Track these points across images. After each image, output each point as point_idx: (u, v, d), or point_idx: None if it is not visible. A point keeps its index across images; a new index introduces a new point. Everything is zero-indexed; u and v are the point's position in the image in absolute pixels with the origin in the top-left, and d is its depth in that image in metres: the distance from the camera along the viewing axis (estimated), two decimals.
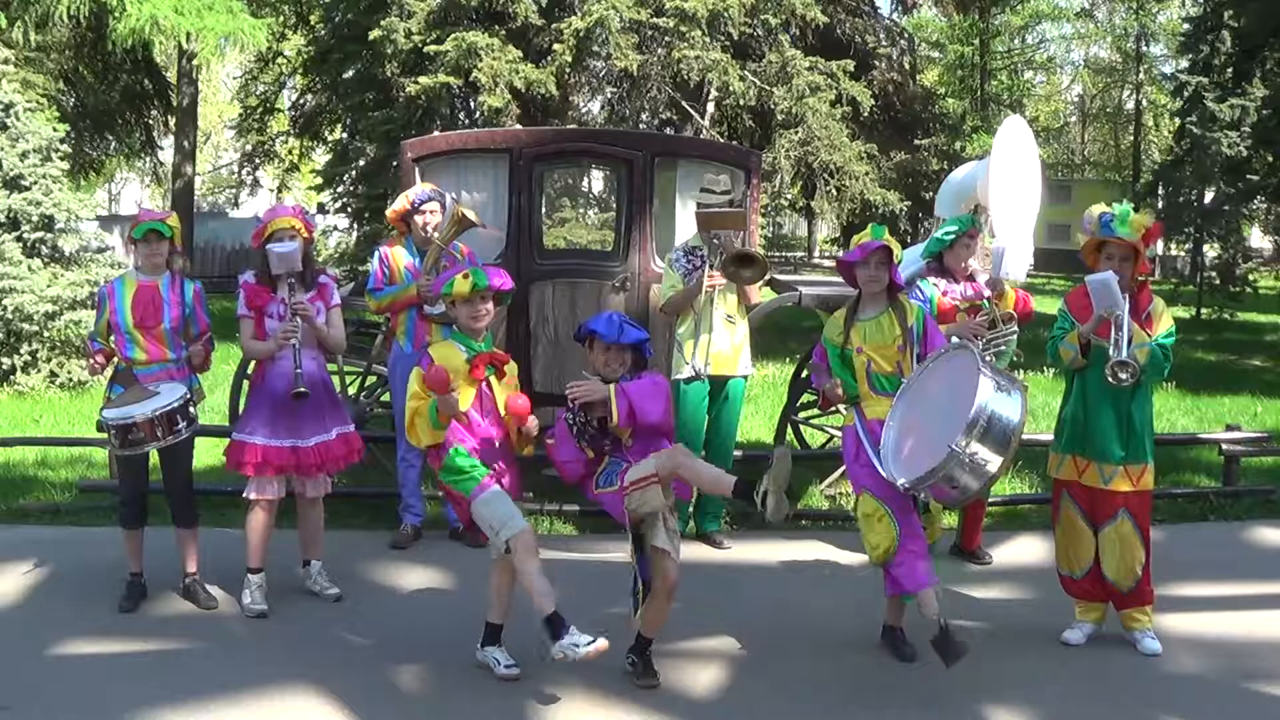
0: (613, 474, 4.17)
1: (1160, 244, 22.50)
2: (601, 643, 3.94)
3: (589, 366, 4.28)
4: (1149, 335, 4.46)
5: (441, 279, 4.46)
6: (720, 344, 5.83)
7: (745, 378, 6.09)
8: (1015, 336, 5.59)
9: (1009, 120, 6.26)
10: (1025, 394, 4.10)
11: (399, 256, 5.85)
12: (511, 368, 4.39)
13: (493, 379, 4.27)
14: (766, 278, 6.28)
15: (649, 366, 4.40)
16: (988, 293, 5.53)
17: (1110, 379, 4.28)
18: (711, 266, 5.71)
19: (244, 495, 4.96)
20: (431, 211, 5.77)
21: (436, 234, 5.71)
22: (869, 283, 4.46)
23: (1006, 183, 5.77)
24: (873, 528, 4.32)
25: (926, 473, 3.96)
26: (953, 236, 5.68)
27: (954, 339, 4.45)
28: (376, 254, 5.96)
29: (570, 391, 4.13)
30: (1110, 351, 4.32)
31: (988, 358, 5.32)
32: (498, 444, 4.28)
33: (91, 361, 5.03)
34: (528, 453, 4.42)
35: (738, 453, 7.07)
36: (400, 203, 5.89)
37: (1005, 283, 5.55)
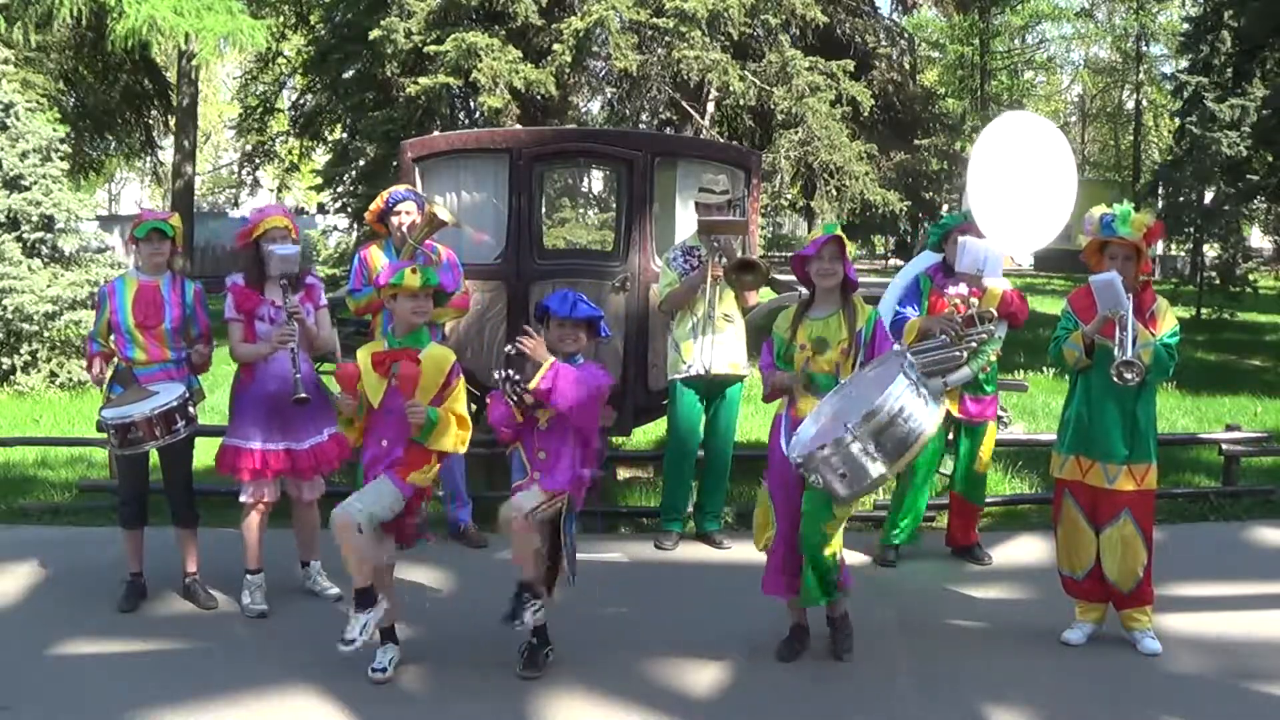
0: (514, 470, 4.31)
1: (1160, 244, 22.48)
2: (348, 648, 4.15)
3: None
4: (1153, 335, 4.46)
5: (391, 269, 4.43)
6: (718, 344, 5.83)
7: (742, 379, 6.09)
8: (994, 335, 5.51)
9: (1003, 115, 6.21)
10: (943, 411, 4.08)
11: (377, 257, 5.84)
12: (435, 362, 4.26)
13: (396, 376, 4.22)
14: (767, 280, 6.28)
15: (602, 346, 4.41)
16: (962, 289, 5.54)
17: (1115, 379, 4.28)
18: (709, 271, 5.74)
19: (240, 499, 4.96)
20: (407, 211, 5.75)
21: (411, 234, 5.71)
22: (823, 277, 4.43)
23: (990, 178, 5.76)
24: (759, 522, 4.52)
25: (816, 449, 3.92)
26: (939, 233, 5.76)
27: (895, 345, 4.43)
28: (357, 256, 5.97)
29: (518, 339, 4.13)
30: (1115, 351, 4.32)
31: (958, 353, 5.30)
32: (385, 443, 4.25)
33: (95, 373, 5.03)
34: (438, 447, 4.24)
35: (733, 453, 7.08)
36: (375, 202, 5.90)
37: (979, 278, 5.44)
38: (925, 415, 3.92)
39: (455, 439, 4.25)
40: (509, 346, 4.17)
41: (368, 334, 6.67)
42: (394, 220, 5.77)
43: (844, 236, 4.45)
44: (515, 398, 4.11)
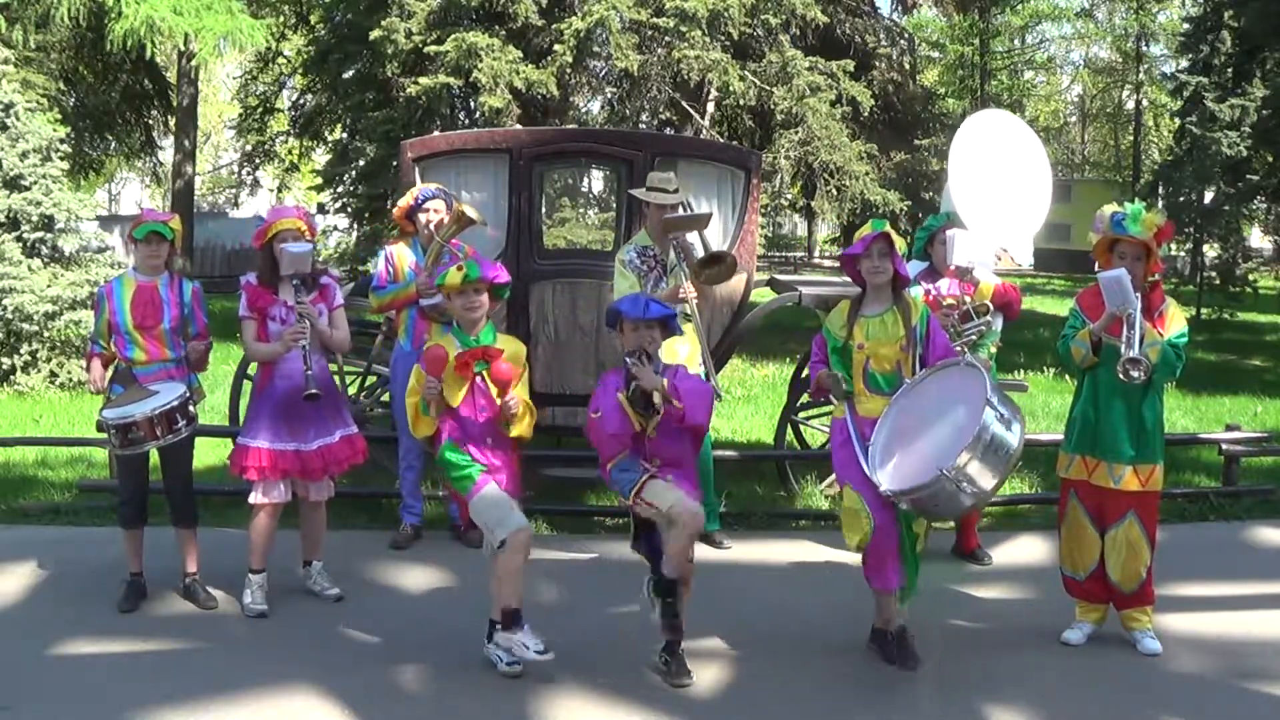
0: (627, 474, 4.18)
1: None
2: (549, 655, 4.16)
3: (620, 349, 4.26)
4: (1160, 334, 4.46)
5: (437, 272, 4.48)
6: (678, 343, 5.77)
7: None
8: (990, 328, 5.57)
9: (974, 115, 6.31)
10: (1024, 426, 4.12)
11: (403, 255, 5.87)
12: (513, 354, 4.36)
13: (485, 373, 4.26)
14: (735, 274, 6.26)
15: (604, 346, 4.37)
16: (953, 285, 5.57)
17: (1122, 376, 4.28)
18: (685, 276, 5.69)
19: (249, 499, 4.96)
20: (435, 210, 5.78)
21: (439, 232, 5.72)
22: (873, 274, 4.41)
23: (971, 176, 5.81)
24: (851, 521, 4.43)
25: (912, 487, 4.01)
26: (924, 237, 5.79)
27: (966, 356, 4.45)
28: (382, 254, 5.99)
29: (632, 366, 4.08)
30: (1122, 349, 4.32)
31: (957, 349, 5.38)
32: (490, 440, 4.29)
33: (94, 376, 5.05)
34: (517, 434, 4.34)
35: (733, 453, 7.08)
36: (405, 199, 5.92)
37: (970, 271, 5.50)
38: (1012, 436, 4.00)
39: (529, 425, 4.38)
40: (630, 365, 4.10)
41: (375, 333, 6.70)
42: (422, 218, 5.79)
43: (893, 233, 4.45)
44: (645, 405, 4.07)
